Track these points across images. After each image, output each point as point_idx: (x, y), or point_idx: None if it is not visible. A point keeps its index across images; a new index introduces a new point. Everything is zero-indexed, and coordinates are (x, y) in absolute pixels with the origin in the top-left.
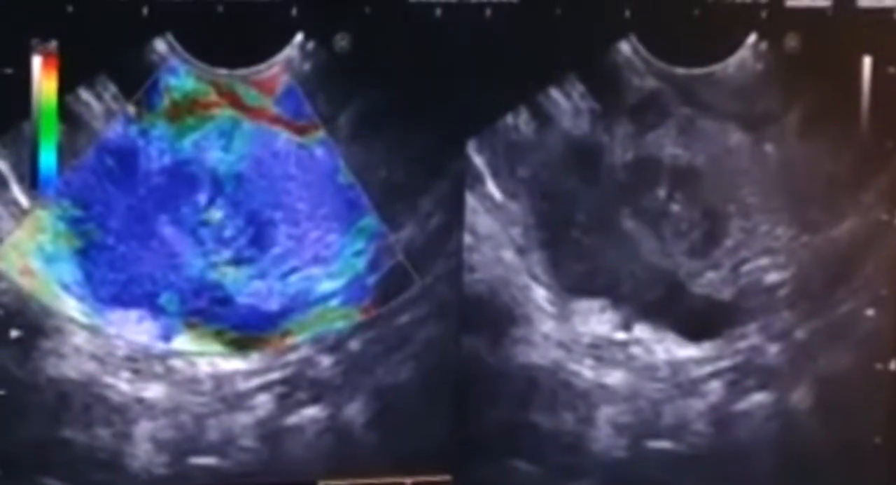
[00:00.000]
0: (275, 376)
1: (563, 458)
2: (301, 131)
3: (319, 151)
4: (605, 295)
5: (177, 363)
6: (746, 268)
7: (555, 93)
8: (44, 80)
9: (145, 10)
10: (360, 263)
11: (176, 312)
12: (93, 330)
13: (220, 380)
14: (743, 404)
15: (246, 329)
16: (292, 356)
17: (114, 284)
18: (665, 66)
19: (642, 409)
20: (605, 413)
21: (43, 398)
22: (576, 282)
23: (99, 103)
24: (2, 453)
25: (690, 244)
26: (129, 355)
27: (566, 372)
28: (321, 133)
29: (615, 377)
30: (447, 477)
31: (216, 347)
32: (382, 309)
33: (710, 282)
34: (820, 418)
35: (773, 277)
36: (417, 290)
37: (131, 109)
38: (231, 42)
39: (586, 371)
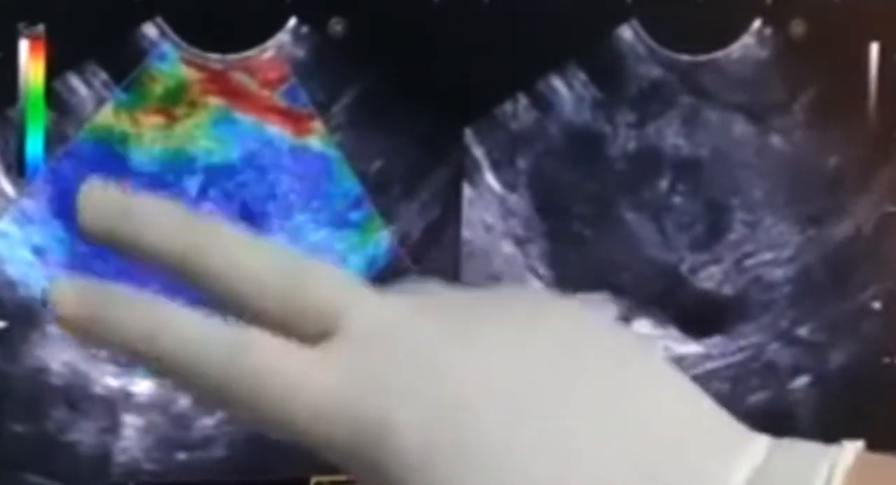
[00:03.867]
0: None
1: None
2: (295, 119)
3: (313, 140)
4: (604, 289)
5: None
6: (750, 262)
7: (555, 80)
8: (31, 65)
9: None
10: (355, 256)
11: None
12: None
13: None
14: (746, 401)
15: None
16: None
17: (102, 276)
18: (667, 53)
19: None
20: None
21: (27, 391)
22: (575, 275)
23: (87, 89)
24: None
25: (693, 237)
26: None
27: None
28: (315, 121)
29: None
30: None
31: None
32: None
33: (712, 276)
34: (825, 414)
35: (777, 271)
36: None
37: (121, 96)
38: (223, 26)
39: None
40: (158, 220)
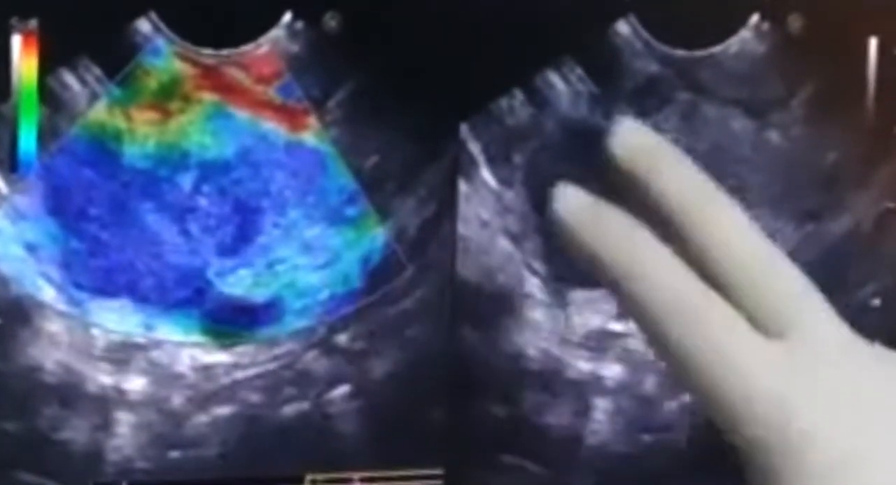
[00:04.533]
0: (260, 368)
1: (558, 451)
2: (290, 115)
3: (308, 136)
4: (601, 285)
5: (159, 354)
6: None
7: (552, 75)
8: (23, 61)
9: None
10: (350, 252)
11: (158, 301)
12: (72, 319)
13: (203, 372)
14: None
15: (231, 320)
16: (279, 348)
17: (95, 272)
18: (665, 48)
19: (640, 402)
20: (602, 406)
21: (19, 388)
22: (572, 271)
23: (81, 85)
24: None
25: None
26: (110, 345)
27: (561, 364)
28: (310, 117)
29: (611, 370)
30: (438, 471)
31: (200, 338)
32: (372, 299)
33: None
34: None
35: None
36: (409, 279)
37: (115, 91)
38: (217, 21)
39: (582, 363)
40: (680, 169)
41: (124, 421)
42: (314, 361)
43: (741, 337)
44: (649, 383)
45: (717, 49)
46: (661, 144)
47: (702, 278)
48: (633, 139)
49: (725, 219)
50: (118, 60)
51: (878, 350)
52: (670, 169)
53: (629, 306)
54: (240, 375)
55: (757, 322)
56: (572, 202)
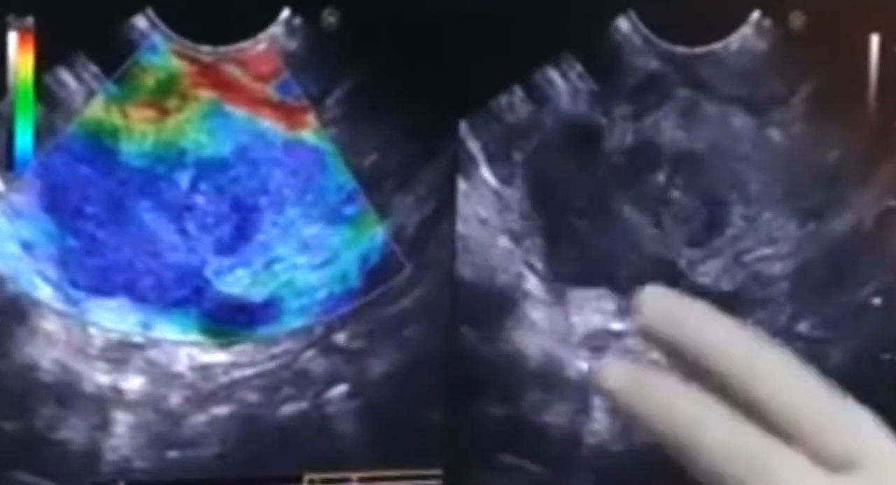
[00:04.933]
0: (258, 367)
1: (557, 451)
2: (288, 113)
3: (307, 134)
4: (601, 284)
5: (157, 354)
6: (748, 257)
7: (551, 72)
8: (20, 59)
9: None
10: (349, 251)
11: (156, 300)
12: (70, 318)
13: (201, 371)
14: None
15: (229, 319)
16: (277, 348)
17: (92, 271)
18: (665, 45)
19: None
20: (601, 406)
21: (16, 388)
22: (572, 270)
23: (77, 82)
24: None
25: (691, 232)
26: (107, 345)
27: (561, 363)
28: (309, 115)
29: None
30: (437, 471)
31: (198, 337)
32: (370, 298)
33: (710, 271)
34: None
35: (776, 266)
36: (408, 278)
37: (112, 89)
38: (214, 18)
39: (581, 362)
40: (710, 329)
41: (122, 421)
42: (312, 361)
43: (808, 477)
44: None
45: (717, 46)
46: (685, 307)
47: (753, 421)
48: (657, 309)
49: (768, 369)
50: (115, 58)
51: None
52: (699, 332)
53: (690, 464)
54: (238, 374)
55: (819, 459)
56: (617, 376)
